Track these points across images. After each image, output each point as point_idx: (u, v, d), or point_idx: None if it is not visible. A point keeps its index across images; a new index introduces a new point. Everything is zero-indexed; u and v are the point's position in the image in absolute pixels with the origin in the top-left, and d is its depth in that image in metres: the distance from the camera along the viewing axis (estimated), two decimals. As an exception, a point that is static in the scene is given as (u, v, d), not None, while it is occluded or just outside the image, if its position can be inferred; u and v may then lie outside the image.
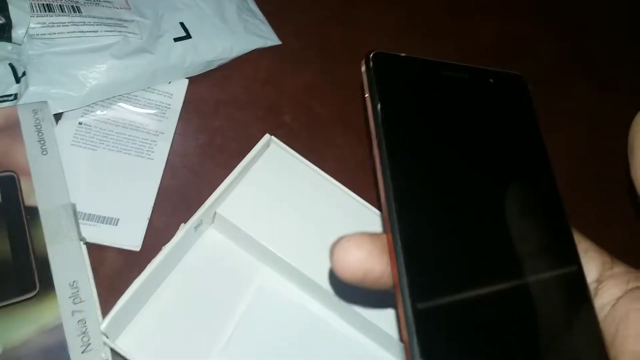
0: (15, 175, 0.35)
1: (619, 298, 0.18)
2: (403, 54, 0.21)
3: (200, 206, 0.34)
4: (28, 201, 0.34)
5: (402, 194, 0.19)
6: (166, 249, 0.33)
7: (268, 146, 0.38)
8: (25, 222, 0.34)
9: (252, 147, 0.37)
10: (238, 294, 0.36)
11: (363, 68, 0.21)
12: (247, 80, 0.45)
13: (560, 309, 0.19)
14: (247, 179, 0.37)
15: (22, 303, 0.32)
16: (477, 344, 0.18)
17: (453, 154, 0.20)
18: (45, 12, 0.40)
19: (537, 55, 0.53)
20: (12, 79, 0.40)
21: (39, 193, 0.35)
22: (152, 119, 0.41)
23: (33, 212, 0.34)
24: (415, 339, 0.17)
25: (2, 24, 0.39)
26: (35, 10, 0.39)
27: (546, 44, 0.53)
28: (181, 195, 0.39)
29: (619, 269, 0.19)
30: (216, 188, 0.35)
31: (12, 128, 0.37)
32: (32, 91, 0.38)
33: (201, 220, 0.35)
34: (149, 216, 0.38)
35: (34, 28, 0.39)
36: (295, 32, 0.48)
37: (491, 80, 0.22)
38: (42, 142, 0.37)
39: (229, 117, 0.43)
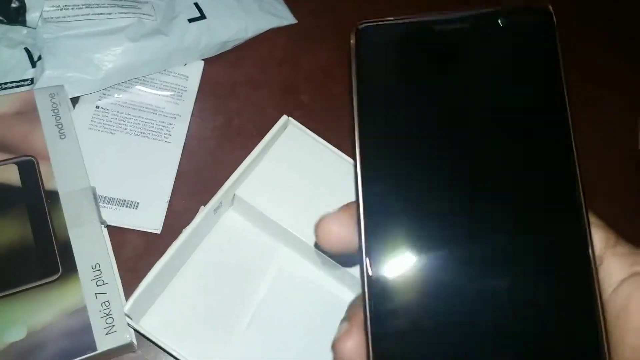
0: (34, 159, 0.35)
1: (622, 281, 0.17)
2: (391, 19, 0.20)
3: (218, 188, 0.34)
4: (48, 185, 0.34)
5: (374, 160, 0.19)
6: (187, 231, 0.33)
7: (286, 127, 0.38)
8: (46, 206, 0.34)
9: (270, 128, 0.36)
10: (258, 275, 0.36)
11: (352, 41, 0.20)
12: (262, 60, 0.44)
13: (555, 281, 0.17)
14: (266, 161, 0.37)
15: (46, 286, 0.32)
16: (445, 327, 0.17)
17: (443, 119, 0.19)
18: (59, -6, 0.39)
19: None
20: (28, 63, 0.40)
21: (59, 177, 0.35)
22: (169, 102, 0.41)
23: (53, 196, 0.34)
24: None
25: (16, 8, 0.38)
26: (49, -7, 0.39)
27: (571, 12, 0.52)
28: (200, 178, 0.39)
29: (623, 248, 0.18)
30: (234, 170, 0.34)
31: (29, 113, 0.36)
32: (48, 75, 0.38)
33: (220, 202, 0.35)
34: (168, 199, 0.38)
35: (48, 11, 0.38)
36: (311, 11, 0.47)
37: (501, 23, 0.19)
38: (59, 126, 0.36)
39: (246, 98, 0.43)
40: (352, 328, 0.18)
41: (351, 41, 0.20)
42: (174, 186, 0.38)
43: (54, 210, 0.34)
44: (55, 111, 0.37)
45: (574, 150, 0.18)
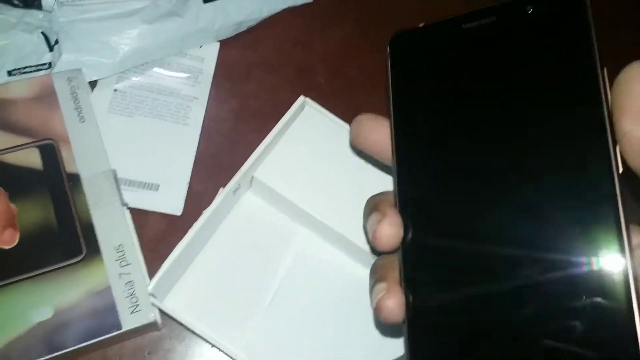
0: (54, 143, 0.36)
1: None
2: (422, 25, 0.21)
3: (237, 171, 0.34)
4: (69, 168, 0.35)
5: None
6: (207, 213, 0.33)
7: (303, 108, 0.38)
8: (68, 189, 0.34)
9: (286, 109, 0.36)
10: (278, 255, 0.36)
11: (388, 50, 0.22)
12: (278, 41, 0.44)
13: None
14: (283, 142, 0.37)
15: (70, 267, 0.33)
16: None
17: (472, 117, 0.19)
18: (75, -23, 0.39)
19: None
20: (46, 47, 0.40)
21: (79, 160, 0.35)
22: (186, 84, 0.41)
23: (75, 178, 0.35)
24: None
25: (33, -9, 0.38)
26: (64, -23, 0.39)
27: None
28: (218, 160, 0.40)
29: None
30: (252, 152, 0.35)
31: (48, 97, 0.37)
32: (66, 59, 0.38)
33: (239, 184, 0.35)
34: (188, 181, 0.38)
35: (64, -6, 0.38)
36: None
37: (530, 10, 0.19)
38: (78, 109, 0.37)
39: (262, 80, 0.43)
40: (391, 287, 0.19)
41: (387, 50, 0.21)
42: (193, 168, 0.39)
43: (76, 193, 0.34)
44: (74, 95, 0.37)
45: (610, 142, 0.17)
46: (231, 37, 0.43)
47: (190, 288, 0.34)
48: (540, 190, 0.18)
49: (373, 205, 0.21)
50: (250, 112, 0.41)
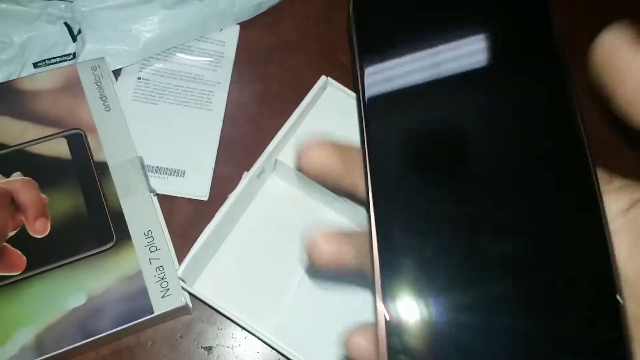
0: (82, 132, 0.36)
1: (629, 209, 0.17)
2: None
3: (260, 154, 0.34)
4: (97, 157, 0.35)
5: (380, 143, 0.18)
6: (232, 198, 0.33)
7: (325, 88, 0.37)
8: (97, 177, 0.35)
9: (308, 90, 0.36)
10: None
11: (347, 10, 0.20)
12: (299, 21, 0.43)
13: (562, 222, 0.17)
14: (306, 124, 0.37)
15: (102, 254, 0.33)
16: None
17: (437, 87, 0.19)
18: (94, -34, 0.39)
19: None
20: (69, 38, 0.40)
21: (107, 148, 0.36)
22: (208, 69, 0.41)
23: (103, 167, 0.35)
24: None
25: (53, -18, 0.39)
26: (84, -34, 0.39)
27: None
28: (242, 145, 0.39)
29: (619, 182, 0.18)
30: (275, 135, 0.34)
31: (74, 87, 0.37)
32: (89, 49, 0.39)
33: (263, 168, 0.35)
34: (213, 166, 0.38)
35: (84, -16, 0.39)
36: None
37: None
38: (103, 98, 0.37)
39: (283, 62, 0.42)
40: (367, 327, 0.18)
41: (348, 10, 0.20)
42: (217, 154, 0.39)
43: (105, 181, 0.35)
44: (99, 84, 0.37)
45: (578, 114, 0.17)
46: (251, 19, 0.42)
47: (219, 271, 0.35)
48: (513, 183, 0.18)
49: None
50: (273, 94, 0.41)
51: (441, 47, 0.19)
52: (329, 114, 0.37)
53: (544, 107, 0.18)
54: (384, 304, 0.17)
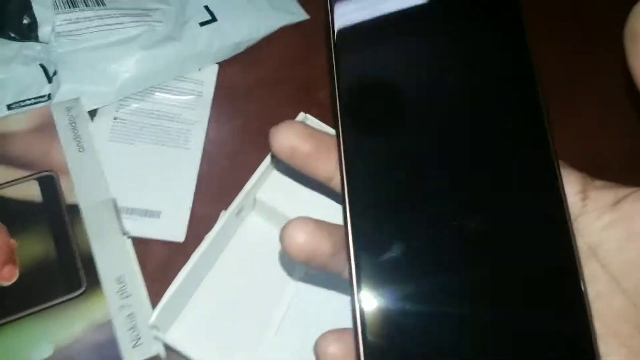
0: (54, 174, 0.35)
1: (615, 204, 0.18)
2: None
3: (239, 192, 0.33)
4: (69, 199, 0.34)
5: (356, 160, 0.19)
6: (208, 238, 0.32)
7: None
8: (68, 221, 0.33)
9: (288, 127, 0.35)
10: (284, 279, 0.35)
11: (326, 12, 0.21)
12: (277, 59, 0.43)
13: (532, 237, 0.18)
14: (286, 161, 0.36)
15: (71, 301, 0.32)
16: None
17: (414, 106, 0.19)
18: (70, 7, 0.39)
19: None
20: (44, 79, 0.40)
21: (79, 190, 0.34)
22: (186, 108, 0.40)
23: (74, 209, 0.34)
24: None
25: (28, 24, 0.38)
26: (59, 7, 0.39)
27: None
28: (221, 183, 0.39)
29: (601, 182, 0.19)
30: (254, 172, 0.34)
31: (47, 128, 0.36)
32: (65, 90, 0.38)
33: (242, 206, 0.34)
34: (190, 206, 0.37)
35: (60, 25, 0.38)
36: (323, 5, 0.46)
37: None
38: (78, 139, 0.36)
39: (263, 99, 0.42)
40: (342, 332, 0.18)
41: (328, 12, 0.21)
42: (195, 193, 0.38)
43: (76, 224, 0.33)
44: (73, 124, 0.37)
45: (544, 112, 0.19)
46: (230, 58, 0.42)
47: (195, 318, 0.33)
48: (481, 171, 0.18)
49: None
50: (252, 132, 0.41)
51: (418, 81, 0.20)
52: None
53: (514, 112, 0.19)
54: (359, 300, 0.17)
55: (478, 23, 0.20)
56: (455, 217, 0.18)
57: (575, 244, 0.17)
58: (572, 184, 0.19)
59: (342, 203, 0.18)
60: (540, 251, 0.18)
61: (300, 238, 0.18)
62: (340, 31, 0.20)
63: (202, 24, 0.41)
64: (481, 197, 0.18)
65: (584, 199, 0.18)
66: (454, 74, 0.20)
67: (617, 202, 0.18)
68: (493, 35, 0.20)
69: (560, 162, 0.19)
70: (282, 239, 0.19)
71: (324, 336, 0.18)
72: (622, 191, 0.18)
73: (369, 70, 0.20)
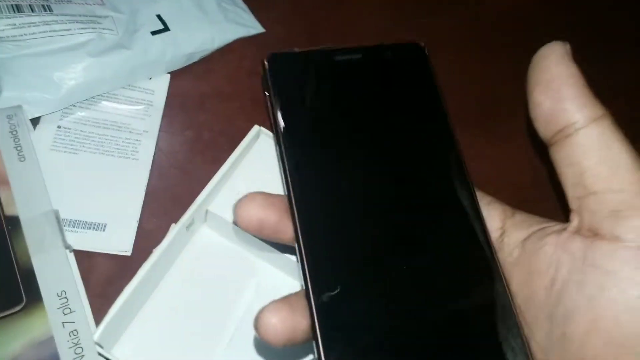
0: (-7, 184, 0.33)
1: (524, 240, 0.19)
2: (297, 50, 0.23)
3: (190, 205, 0.33)
4: (8, 211, 0.33)
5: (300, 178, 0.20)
6: (157, 252, 0.31)
7: (258, 137, 0.37)
8: (7, 233, 0.32)
9: (241, 139, 0.35)
10: (236, 291, 0.34)
11: (263, 68, 0.23)
12: (231, 71, 0.43)
13: (462, 262, 0.20)
14: (238, 173, 0.35)
15: (9, 317, 0.30)
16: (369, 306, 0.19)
17: (348, 132, 0.22)
18: (14, 12, 0.38)
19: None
20: (-15, 85, 0.38)
21: (19, 201, 0.33)
22: (135, 118, 0.39)
23: (14, 222, 0.32)
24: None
25: (-32, 27, 0.37)
26: (3, 12, 0.37)
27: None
28: (171, 195, 0.38)
29: (520, 216, 0.20)
30: (206, 184, 0.33)
31: (-13, 136, 0.35)
32: (6, 96, 0.37)
33: (193, 219, 0.33)
34: (137, 219, 0.36)
35: (3, 30, 0.37)
36: (279, 19, 0.46)
37: (389, 55, 0.23)
38: (18, 148, 0.35)
39: (215, 110, 0.41)
40: (279, 302, 0.19)
41: (264, 68, 0.23)
42: (143, 205, 0.37)
43: (15, 237, 0.32)
44: (14, 133, 0.35)
45: (456, 144, 0.22)
46: (183, 68, 0.42)
47: (142, 334, 0.32)
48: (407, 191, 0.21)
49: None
50: (204, 143, 0.40)
51: (350, 103, 0.22)
52: (262, 163, 0.36)
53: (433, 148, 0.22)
54: (310, 279, 0.19)
55: (396, 75, 0.23)
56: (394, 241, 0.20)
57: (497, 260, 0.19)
58: (493, 218, 0.20)
59: (286, 188, 0.21)
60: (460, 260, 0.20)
61: (251, 210, 0.20)
62: (276, 83, 0.23)
63: (154, 33, 0.40)
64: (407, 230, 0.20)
65: (502, 234, 0.20)
66: (378, 113, 0.22)
67: (527, 237, 0.19)
68: (409, 83, 0.23)
69: (489, 198, 0.21)
70: (235, 213, 0.20)
71: (266, 308, 0.19)
72: (534, 227, 0.19)
73: (304, 102, 0.22)
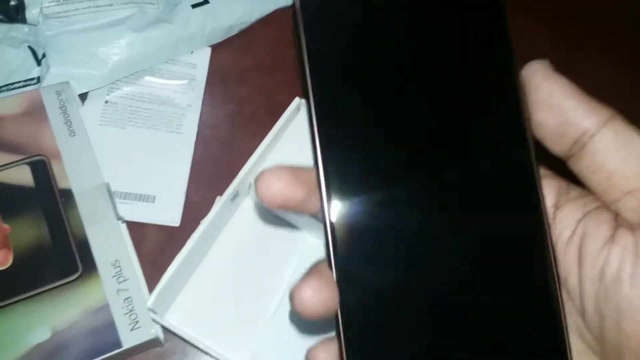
0: (45, 159, 0.35)
1: (578, 220, 0.18)
2: None
3: (234, 177, 0.33)
4: (61, 184, 0.34)
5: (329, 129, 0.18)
6: (204, 223, 0.32)
7: (299, 110, 0.37)
8: (61, 206, 0.33)
9: (282, 112, 0.35)
10: (280, 263, 0.35)
11: (293, 12, 0.20)
12: (271, 43, 0.43)
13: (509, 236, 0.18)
14: (280, 146, 0.36)
15: (67, 286, 0.32)
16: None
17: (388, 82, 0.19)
18: (59, -11, 0.38)
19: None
20: (33, 62, 0.39)
21: (72, 175, 0.34)
22: (178, 92, 0.40)
23: (67, 194, 0.34)
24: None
25: (14, 6, 0.38)
26: (48, -12, 0.38)
27: None
28: (215, 168, 0.38)
29: (575, 192, 0.19)
30: (249, 158, 0.34)
31: (37, 112, 0.36)
32: (54, 73, 0.38)
33: (237, 191, 0.34)
34: (185, 191, 0.37)
35: (48, 7, 0.38)
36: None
37: None
38: (68, 123, 0.36)
39: (256, 83, 0.42)
40: (311, 276, 0.18)
41: (297, 6, 0.19)
42: (189, 178, 0.37)
43: (70, 209, 0.33)
44: (63, 109, 0.36)
45: (522, 104, 0.18)
46: (223, 42, 0.42)
47: (192, 301, 0.33)
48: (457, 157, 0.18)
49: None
50: (246, 116, 0.40)
51: (388, 42, 0.19)
52: (304, 135, 0.36)
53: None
54: (334, 255, 0.18)
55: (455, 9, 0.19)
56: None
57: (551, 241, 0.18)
58: (548, 194, 0.19)
59: (313, 148, 0.19)
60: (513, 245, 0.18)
61: (275, 187, 0.19)
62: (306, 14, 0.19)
63: (195, 6, 0.40)
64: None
65: (555, 211, 0.19)
66: (429, 61, 0.19)
67: (582, 218, 0.18)
68: (471, 23, 0.19)
69: (544, 172, 0.19)
70: (256, 189, 0.19)
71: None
72: (588, 205, 0.18)
73: (338, 40, 0.19)
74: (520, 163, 0.18)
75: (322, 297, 0.18)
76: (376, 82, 0.19)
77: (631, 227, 0.17)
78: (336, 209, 0.18)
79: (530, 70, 0.18)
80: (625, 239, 0.17)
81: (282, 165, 0.19)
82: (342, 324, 0.18)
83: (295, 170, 0.19)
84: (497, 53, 0.19)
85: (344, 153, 0.18)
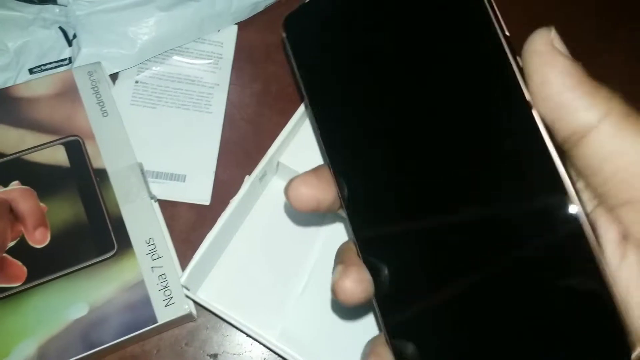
0: (80, 139, 0.35)
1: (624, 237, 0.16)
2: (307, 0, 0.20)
3: (262, 156, 0.33)
4: (96, 164, 0.35)
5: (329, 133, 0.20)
6: (234, 202, 0.33)
7: (326, 88, 0.37)
8: (96, 185, 0.34)
9: (310, 90, 0.35)
10: (309, 241, 0.35)
11: (283, 35, 0.21)
12: (297, 20, 0.42)
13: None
14: (307, 125, 0.36)
15: (103, 263, 0.33)
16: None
17: (381, 89, 0.19)
18: (87, -31, 0.38)
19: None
20: (64, 42, 0.39)
21: (105, 155, 0.35)
22: (206, 71, 0.40)
23: (102, 174, 0.34)
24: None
25: (46, -14, 0.38)
26: (77, -31, 0.38)
27: None
28: (243, 147, 0.39)
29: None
30: (276, 137, 0.34)
31: (70, 92, 0.37)
32: (85, 53, 0.38)
33: (265, 171, 0.34)
34: (214, 170, 0.37)
35: (78, -13, 0.38)
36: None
37: None
38: (101, 104, 0.36)
39: (282, 61, 0.41)
40: (348, 267, 0.19)
41: (282, 35, 0.20)
42: (218, 157, 0.38)
43: (104, 188, 0.34)
44: (95, 89, 0.37)
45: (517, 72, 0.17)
46: (249, 19, 0.42)
47: (223, 278, 0.34)
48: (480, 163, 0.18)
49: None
50: (272, 96, 0.40)
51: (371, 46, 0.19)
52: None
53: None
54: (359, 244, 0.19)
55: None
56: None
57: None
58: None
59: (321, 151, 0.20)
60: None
61: (304, 193, 0.20)
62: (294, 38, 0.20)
63: (221, -17, 0.40)
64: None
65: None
66: (414, 59, 0.18)
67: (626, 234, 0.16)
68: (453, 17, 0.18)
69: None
70: (288, 197, 0.20)
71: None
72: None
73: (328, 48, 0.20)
74: (532, 151, 0.17)
75: (363, 287, 0.19)
76: (369, 92, 0.19)
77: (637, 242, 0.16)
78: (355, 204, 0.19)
79: (528, 51, 0.17)
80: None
81: (305, 172, 0.20)
82: (380, 309, 0.19)
83: (319, 173, 0.20)
84: (487, 44, 0.17)
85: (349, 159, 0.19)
